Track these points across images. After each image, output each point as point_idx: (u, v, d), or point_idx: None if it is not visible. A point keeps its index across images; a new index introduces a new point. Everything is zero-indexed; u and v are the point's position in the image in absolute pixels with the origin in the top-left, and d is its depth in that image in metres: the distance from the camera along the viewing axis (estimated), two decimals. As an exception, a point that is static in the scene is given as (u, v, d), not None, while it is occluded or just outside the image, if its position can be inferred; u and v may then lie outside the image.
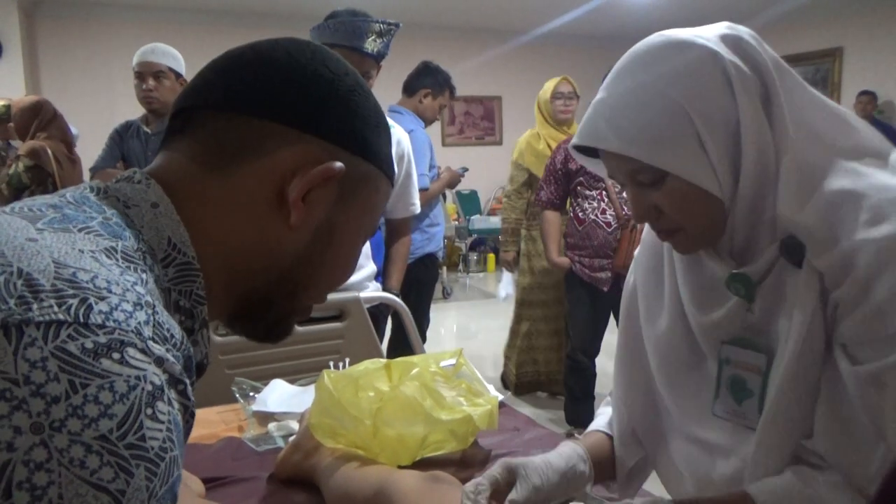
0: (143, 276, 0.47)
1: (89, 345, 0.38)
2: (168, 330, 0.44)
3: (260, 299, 0.59)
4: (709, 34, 0.77)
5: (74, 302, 0.39)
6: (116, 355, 0.39)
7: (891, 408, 0.68)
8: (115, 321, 0.40)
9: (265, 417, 1.26)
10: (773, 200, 0.75)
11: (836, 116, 0.78)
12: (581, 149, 0.86)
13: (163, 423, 0.40)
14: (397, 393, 1.02)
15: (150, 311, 0.43)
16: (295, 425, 1.21)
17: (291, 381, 1.40)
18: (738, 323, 0.82)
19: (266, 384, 1.36)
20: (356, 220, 0.61)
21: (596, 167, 0.87)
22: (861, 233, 0.69)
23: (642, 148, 0.75)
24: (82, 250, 0.44)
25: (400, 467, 0.98)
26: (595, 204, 2.79)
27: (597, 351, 3.02)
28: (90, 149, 4.91)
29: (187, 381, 0.45)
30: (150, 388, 0.40)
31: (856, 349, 0.71)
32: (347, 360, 1.40)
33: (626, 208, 2.71)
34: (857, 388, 0.70)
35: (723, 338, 0.84)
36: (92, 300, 0.40)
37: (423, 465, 0.99)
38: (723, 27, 0.79)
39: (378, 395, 1.04)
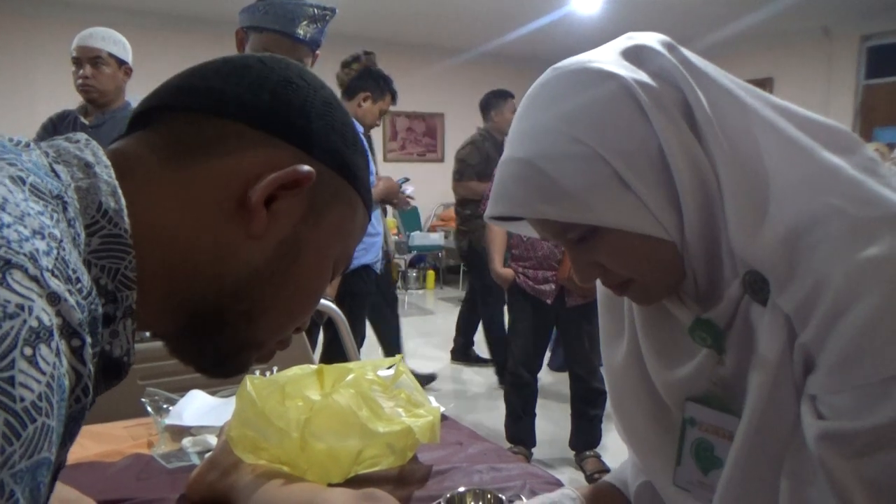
0: (55, 215, 0.39)
1: None
2: (75, 272, 0.37)
3: (209, 314, 0.50)
4: (606, 55, 0.66)
5: None
6: None
7: (859, 488, 0.55)
8: (3, 238, 0.33)
9: (179, 432, 1.13)
10: (726, 227, 0.63)
11: (784, 109, 0.65)
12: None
13: (44, 373, 0.32)
14: (329, 402, 0.92)
15: (54, 244, 0.36)
16: (213, 440, 1.09)
17: (212, 393, 1.27)
18: (707, 377, 0.69)
19: (183, 396, 1.23)
20: (326, 242, 0.54)
21: (526, 229, 0.76)
22: (830, 260, 0.57)
23: (559, 205, 0.64)
24: None
25: (330, 485, 0.88)
26: (540, 215, 2.75)
27: (539, 366, 2.96)
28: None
29: (87, 340, 0.36)
30: (35, 323, 0.32)
31: (822, 402, 0.59)
32: (276, 368, 1.28)
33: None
34: (818, 449, 0.58)
35: (688, 393, 0.71)
36: None
37: (356, 482, 0.90)
38: (622, 41, 0.68)
39: (307, 403, 0.93)
